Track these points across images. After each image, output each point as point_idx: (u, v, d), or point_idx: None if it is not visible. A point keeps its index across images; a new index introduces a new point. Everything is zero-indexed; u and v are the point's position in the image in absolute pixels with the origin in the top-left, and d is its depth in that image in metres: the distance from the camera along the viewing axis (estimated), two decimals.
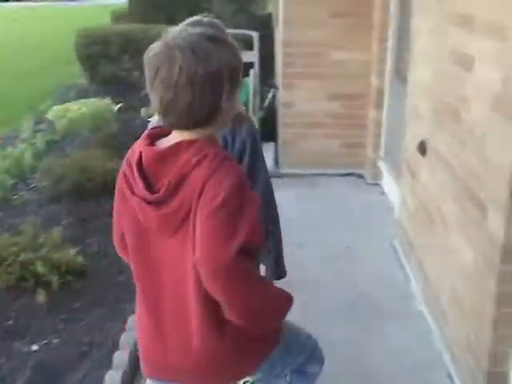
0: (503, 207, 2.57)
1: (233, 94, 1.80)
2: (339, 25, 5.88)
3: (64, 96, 9.20)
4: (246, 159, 2.51)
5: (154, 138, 1.85)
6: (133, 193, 1.81)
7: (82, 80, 9.94)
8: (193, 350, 1.88)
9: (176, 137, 1.79)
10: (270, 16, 10.87)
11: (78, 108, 7.62)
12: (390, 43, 5.69)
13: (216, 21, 1.80)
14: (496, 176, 2.65)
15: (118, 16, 12.41)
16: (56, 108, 7.79)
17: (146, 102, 7.72)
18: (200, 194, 1.70)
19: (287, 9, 6.06)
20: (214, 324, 1.84)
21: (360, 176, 6.26)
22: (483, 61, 2.83)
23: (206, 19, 1.79)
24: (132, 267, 1.95)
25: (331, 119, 6.18)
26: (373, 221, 5.24)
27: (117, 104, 7.86)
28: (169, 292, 1.87)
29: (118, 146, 6.37)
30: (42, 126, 7.89)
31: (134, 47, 9.20)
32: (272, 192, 2.72)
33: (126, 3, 12.74)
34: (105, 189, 5.15)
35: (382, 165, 5.98)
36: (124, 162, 1.87)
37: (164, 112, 1.74)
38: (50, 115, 7.69)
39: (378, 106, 5.90)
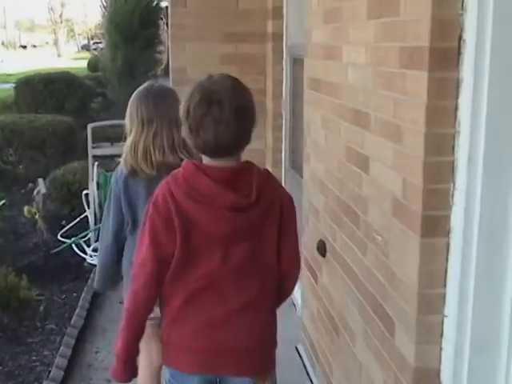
0: (412, 328, 2.28)
1: None
2: None
3: None
4: None
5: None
6: (209, 206, 2.13)
7: None
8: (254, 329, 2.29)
9: (220, 161, 2.16)
10: None
11: None
12: (285, 132, 5.50)
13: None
14: (402, 292, 2.37)
15: (4, 105, 11.86)
16: None
17: (30, 198, 7.22)
18: (280, 204, 2.26)
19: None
20: (270, 310, 2.39)
21: None
22: (379, 162, 2.59)
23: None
24: (182, 277, 2.20)
25: None
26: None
27: None
28: (233, 291, 2.23)
29: None
30: None
31: (18, 139, 8.69)
32: None
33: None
34: None
35: None
36: (175, 191, 2.15)
37: (216, 144, 2.10)
38: None
39: None
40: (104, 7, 13.84)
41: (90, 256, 5.94)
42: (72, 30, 69.52)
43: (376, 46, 2.58)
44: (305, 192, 4.06)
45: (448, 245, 2.20)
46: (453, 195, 2.16)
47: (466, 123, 2.07)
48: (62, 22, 66.32)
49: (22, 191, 8.20)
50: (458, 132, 2.11)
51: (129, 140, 2.89)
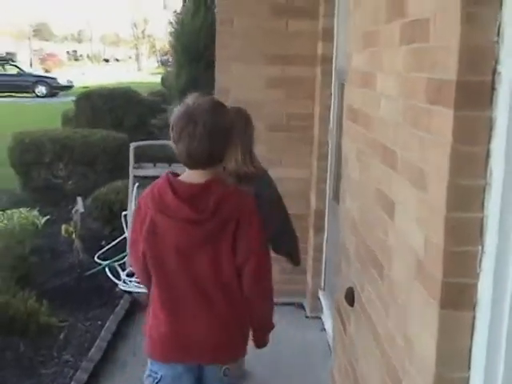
0: None
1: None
2: (277, 139, 5.34)
3: None
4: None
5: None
6: (172, 218, 2.51)
7: (14, 185, 9.23)
8: (214, 325, 2.64)
9: (194, 174, 2.56)
10: None
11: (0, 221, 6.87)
12: (330, 161, 5.14)
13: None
14: (420, 371, 1.98)
15: (66, 118, 11.88)
16: None
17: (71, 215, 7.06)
18: (238, 216, 2.54)
19: None
20: (231, 312, 2.65)
21: (301, 306, 5.56)
22: (404, 210, 2.22)
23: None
24: (155, 278, 2.64)
25: None
26: (310, 367, 4.52)
27: (44, 216, 7.14)
28: (191, 289, 2.60)
29: (30, 270, 5.61)
30: None
31: (69, 155, 8.58)
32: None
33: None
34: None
35: (322, 296, 5.30)
36: (149, 200, 2.56)
37: (188, 155, 2.49)
38: None
39: (319, 229, 5.29)
40: (172, 25, 13.74)
41: (124, 281, 5.69)
42: (154, 46, 70.97)
43: (406, 75, 2.22)
44: (340, 232, 3.69)
45: (474, 319, 1.81)
46: (481, 260, 1.77)
47: (499, 174, 1.69)
48: (144, 38, 67.87)
49: (70, 207, 8.07)
50: (489, 184, 1.72)
51: None
